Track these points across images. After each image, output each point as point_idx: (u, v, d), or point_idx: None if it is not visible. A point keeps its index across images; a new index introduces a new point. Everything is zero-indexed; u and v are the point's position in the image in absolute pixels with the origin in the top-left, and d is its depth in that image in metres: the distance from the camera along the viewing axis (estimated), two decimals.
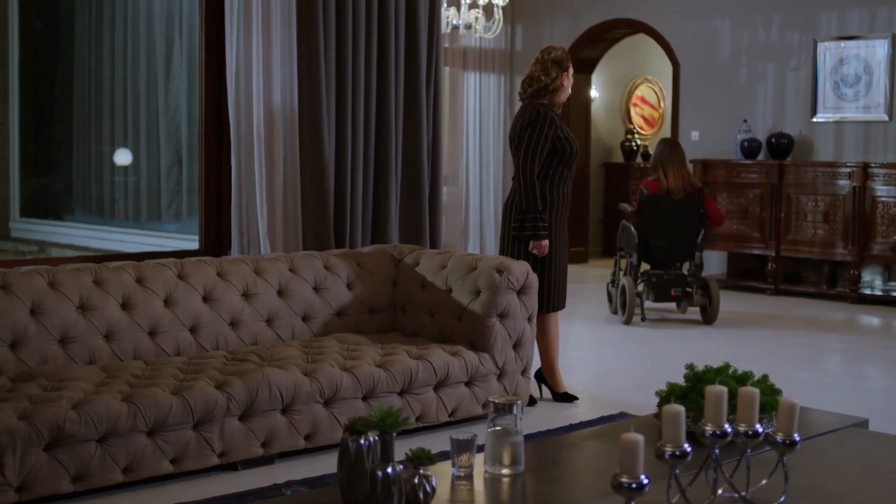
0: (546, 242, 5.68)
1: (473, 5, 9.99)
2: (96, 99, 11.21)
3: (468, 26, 9.98)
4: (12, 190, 11.13)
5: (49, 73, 11.52)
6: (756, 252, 10.37)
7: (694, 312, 9.00)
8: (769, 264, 10.22)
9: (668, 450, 2.55)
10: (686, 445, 2.55)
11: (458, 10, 9.95)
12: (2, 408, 3.96)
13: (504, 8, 10.27)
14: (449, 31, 10.01)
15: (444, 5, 9.43)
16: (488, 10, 10.19)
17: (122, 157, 11.41)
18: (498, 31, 10.21)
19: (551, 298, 5.80)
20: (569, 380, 6.10)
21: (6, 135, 11.01)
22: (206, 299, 5.19)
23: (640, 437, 2.43)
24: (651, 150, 14.32)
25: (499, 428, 3.14)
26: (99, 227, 11.13)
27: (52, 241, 11.16)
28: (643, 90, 14.56)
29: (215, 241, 6.87)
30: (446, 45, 11.27)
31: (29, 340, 4.62)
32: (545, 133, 5.65)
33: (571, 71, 5.82)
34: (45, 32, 11.57)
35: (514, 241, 5.75)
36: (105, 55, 11.17)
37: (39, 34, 11.51)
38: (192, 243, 7.37)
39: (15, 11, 11.15)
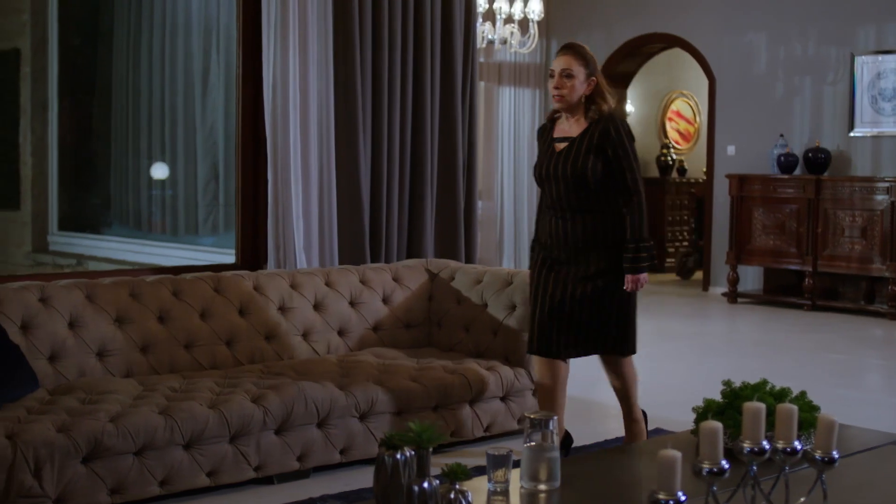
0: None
1: (509, 20, 10.00)
2: (134, 113, 11.31)
3: (503, 41, 10.00)
4: (51, 204, 11.23)
5: (87, 87, 11.63)
6: (793, 267, 10.29)
7: None
8: (806, 280, 10.14)
9: (706, 467, 2.53)
10: (724, 462, 2.54)
11: (494, 24, 9.97)
12: (41, 420, 3.99)
13: (539, 23, 10.27)
14: (484, 45, 10.03)
15: (480, 20, 9.45)
16: (523, 24, 10.20)
17: (160, 172, 11.49)
18: (533, 45, 10.22)
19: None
20: (602, 394, 6.02)
21: (45, 149, 11.12)
22: (242, 313, 5.21)
23: (677, 454, 2.42)
24: (687, 165, 14.30)
25: (535, 443, 3.13)
26: (136, 240, 11.21)
27: (90, 254, 11.25)
28: (679, 105, 14.52)
29: (251, 254, 6.89)
30: (481, 59, 11.29)
31: (67, 353, 4.66)
32: (539, 148, 5.04)
33: (552, 73, 5.12)
34: (84, 48, 11.69)
35: None
36: (143, 70, 11.27)
37: (78, 49, 11.63)
38: (228, 257, 7.39)
39: (54, 27, 11.28)
